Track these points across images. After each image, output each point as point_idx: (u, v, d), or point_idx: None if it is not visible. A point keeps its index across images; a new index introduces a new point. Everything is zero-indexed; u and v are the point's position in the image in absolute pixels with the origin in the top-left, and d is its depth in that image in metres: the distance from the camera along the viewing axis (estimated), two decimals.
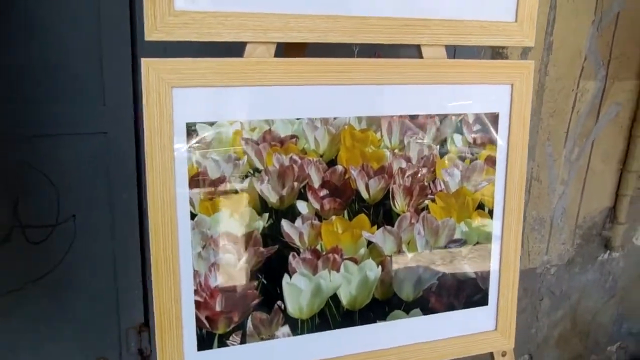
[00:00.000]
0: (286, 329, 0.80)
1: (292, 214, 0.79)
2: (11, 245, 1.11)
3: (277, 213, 0.78)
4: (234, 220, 0.76)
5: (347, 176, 0.81)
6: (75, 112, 1.12)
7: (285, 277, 0.79)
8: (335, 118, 0.80)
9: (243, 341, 0.79)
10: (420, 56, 0.85)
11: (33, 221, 1.13)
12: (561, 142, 1.60)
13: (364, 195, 0.82)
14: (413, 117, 0.84)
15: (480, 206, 0.90)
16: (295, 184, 0.79)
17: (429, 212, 0.86)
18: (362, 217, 0.83)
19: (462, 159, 0.88)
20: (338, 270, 0.82)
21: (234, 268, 0.77)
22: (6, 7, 1.03)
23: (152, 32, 0.71)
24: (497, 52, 1.43)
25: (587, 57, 1.56)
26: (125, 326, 1.24)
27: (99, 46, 1.12)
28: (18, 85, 1.07)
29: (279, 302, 0.80)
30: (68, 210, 1.15)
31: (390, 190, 0.84)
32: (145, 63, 0.71)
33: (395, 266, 0.85)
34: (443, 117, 0.86)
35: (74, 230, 1.17)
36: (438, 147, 0.86)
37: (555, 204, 1.65)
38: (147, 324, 1.26)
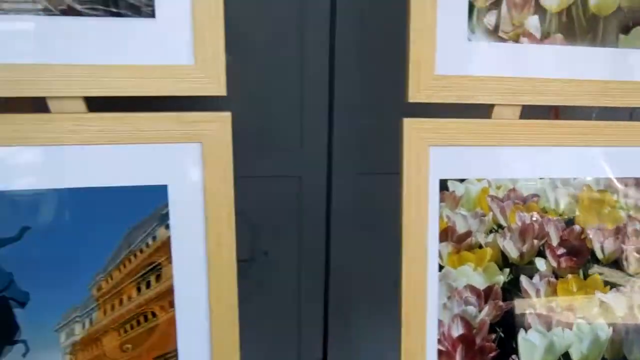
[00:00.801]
0: None
1: (530, 270, 0.81)
2: None
3: (517, 269, 0.81)
4: (478, 273, 0.79)
5: (583, 236, 0.83)
6: (275, 156, 1.20)
7: (521, 331, 0.81)
8: (575, 178, 0.82)
9: None
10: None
11: None
12: None
13: (599, 255, 0.83)
14: None
15: None
16: (535, 241, 0.81)
17: None
18: (596, 277, 0.83)
19: None
20: (571, 329, 0.83)
21: (475, 320, 0.79)
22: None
23: (415, 94, 0.76)
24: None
25: None
26: None
27: (300, 94, 1.20)
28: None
29: (513, 356, 0.81)
30: (261, 247, 1.23)
31: (624, 251, 0.84)
32: (407, 123, 0.76)
33: (625, 328, 0.85)
34: None
35: (265, 266, 1.23)
36: None
37: None
38: None
